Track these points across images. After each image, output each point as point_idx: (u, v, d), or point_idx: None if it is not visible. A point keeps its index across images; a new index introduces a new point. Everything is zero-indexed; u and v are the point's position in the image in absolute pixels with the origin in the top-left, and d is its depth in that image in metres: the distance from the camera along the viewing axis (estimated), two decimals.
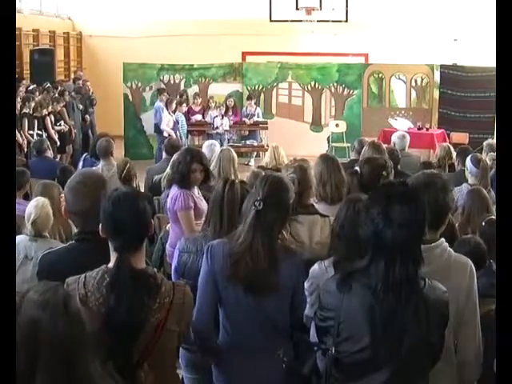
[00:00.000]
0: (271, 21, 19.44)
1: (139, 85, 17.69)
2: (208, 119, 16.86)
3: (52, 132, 13.69)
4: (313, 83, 18.08)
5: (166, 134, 14.39)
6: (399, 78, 18.03)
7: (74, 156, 14.63)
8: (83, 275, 2.99)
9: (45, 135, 13.10)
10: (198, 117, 16.92)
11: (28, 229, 5.27)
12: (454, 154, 8.78)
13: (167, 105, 15.26)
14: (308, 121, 18.25)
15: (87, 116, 16.43)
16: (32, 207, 5.34)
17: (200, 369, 4.03)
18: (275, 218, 3.48)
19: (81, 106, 16.09)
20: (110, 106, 17.87)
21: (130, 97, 17.61)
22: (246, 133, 17.30)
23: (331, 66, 18.15)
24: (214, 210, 4.08)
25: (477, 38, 16.98)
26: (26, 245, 5.20)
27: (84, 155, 10.03)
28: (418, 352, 2.72)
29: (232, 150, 7.44)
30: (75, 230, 3.66)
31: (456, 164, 8.42)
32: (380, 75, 18.00)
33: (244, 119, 17.00)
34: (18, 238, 5.24)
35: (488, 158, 8.27)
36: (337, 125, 17.73)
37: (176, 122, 15.26)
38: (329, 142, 17.49)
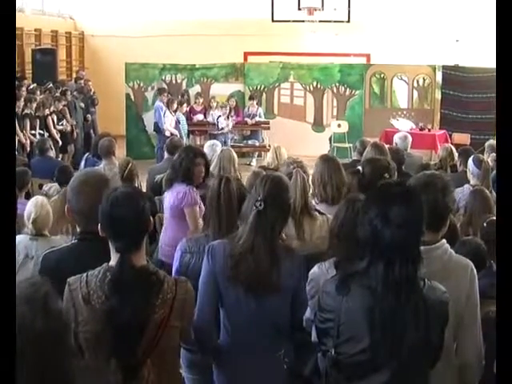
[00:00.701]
0: (273, 21, 19.44)
1: (141, 84, 17.71)
2: (210, 119, 16.86)
3: (54, 132, 13.70)
4: (315, 83, 18.08)
5: (168, 134, 14.39)
6: (401, 79, 18.03)
7: (75, 156, 14.64)
8: (85, 274, 3.00)
9: (46, 135, 13.11)
10: (200, 117, 16.91)
11: (29, 228, 5.27)
12: (456, 155, 8.77)
13: (168, 105, 15.26)
14: (310, 121, 18.25)
15: (89, 116, 16.44)
16: (32, 206, 5.34)
17: (201, 369, 4.03)
18: (276, 218, 3.48)
19: (83, 105, 16.10)
20: (112, 106, 17.87)
21: (132, 96, 17.63)
22: (248, 133, 17.31)
23: (333, 66, 18.16)
24: (212, 208, 4.08)
25: (479, 38, 16.96)
26: (27, 244, 5.21)
27: (86, 155, 10.05)
28: (417, 352, 2.72)
29: (232, 150, 7.46)
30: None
31: (458, 165, 8.41)
32: (382, 76, 18.00)
33: (246, 119, 17.00)
34: (19, 237, 5.24)
35: (490, 158, 8.26)
36: (339, 125, 17.72)
37: (177, 122, 15.27)
38: (330, 143, 17.48)
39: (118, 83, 17.94)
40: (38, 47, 17.94)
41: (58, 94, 15.01)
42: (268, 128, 17.18)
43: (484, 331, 3.32)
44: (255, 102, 17.22)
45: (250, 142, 17.06)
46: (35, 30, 18.14)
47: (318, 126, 18.19)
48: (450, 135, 16.00)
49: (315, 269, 3.50)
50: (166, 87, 17.20)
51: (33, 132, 13.01)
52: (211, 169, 7.11)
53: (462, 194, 6.61)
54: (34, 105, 13.29)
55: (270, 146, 13.09)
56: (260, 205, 3.42)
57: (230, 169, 7.02)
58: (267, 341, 3.56)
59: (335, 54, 19.00)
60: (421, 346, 2.72)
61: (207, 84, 18.05)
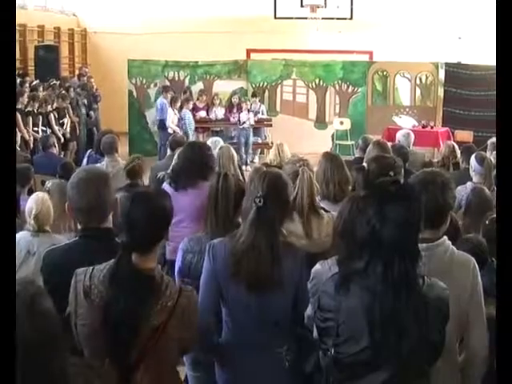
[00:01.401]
0: (276, 18, 19.48)
1: (144, 81, 17.73)
2: (213, 116, 16.85)
3: (56, 128, 13.71)
4: (317, 81, 18.06)
5: (170, 131, 14.41)
6: (404, 76, 18.02)
7: (78, 152, 14.65)
8: (91, 268, 2.98)
9: (49, 131, 13.12)
10: (203, 114, 16.90)
11: (31, 224, 5.27)
12: (459, 153, 8.76)
13: (172, 102, 15.27)
14: (312, 118, 18.24)
15: (91, 112, 16.44)
16: (33, 202, 5.35)
17: (204, 367, 4.03)
18: (276, 214, 3.48)
19: (85, 102, 16.10)
20: (115, 103, 17.87)
21: (135, 93, 17.65)
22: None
23: (336, 63, 18.15)
24: (210, 204, 4.08)
25: (481, 36, 16.93)
26: (28, 240, 5.21)
27: (88, 151, 10.04)
28: (418, 351, 2.71)
29: (231, 148, 7.44)
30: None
31: (460, 162, 8.41)
32: (384, 73, 17.99)
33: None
34: (20, 234, 5.25)
35: (492, 156, 8.24)
36: (341, 122, 17.71)
37: (180, 119, 15.28)
38: (333, 140, 17.49)
39: (120, 80, 17.96)
40: (41, 44, 17.95)
41: (61, 91, 15.01)
42: (270, 125, 17.17)
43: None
44: (258, 99, 17.20)
45: (253, 138, 17.05)
46: (38, 27, 18.15)
47: (321, 123, 18.18)
48: (453, 133, 15.99)
49: (318, 266, 3.49)
50: (169, 84, 17.19)
51: (35, 129, 13.01)
52: None
53: (464, 191, 6.60)
54: (37, 102, 13.29)
55: (272, 143, 13.07)
56: (260, 201, 3.41)
57: (229, 166, 7.01)
58: (269, 338, 3.55)
59: (338, 52, 19.01)
60: (421, 344, 2.72)
61: (210, 81, 18.05)
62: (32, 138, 12.73)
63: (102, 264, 3.00)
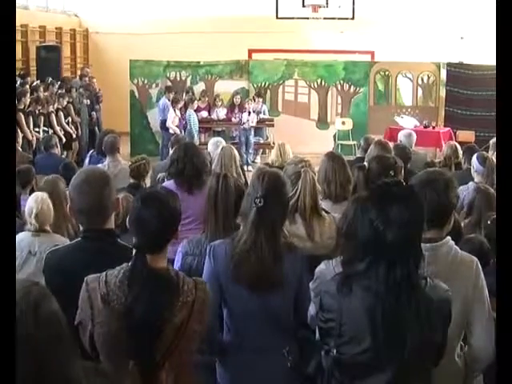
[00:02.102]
0: (277, 18, 19.49)
1: (145, 82, 17.74)
2: (214, 116, 16.86)
3: (57, 129, 13.72)
4: (319, 81, 18.06)
5: (171, 132, 14.42)
6: (405, 76, 18.02)
7: (80, 152, 14.66)
8: (104, 274, 2.95)
9: (50, 132, 13.13)
10: (204, 114, 16.90)
11: (32, 224, 5.27)
12: (461, 153, 8.75)
13: (173, 103, 15.28)
14: (314, 118, 18.24)
15: (93, 113, 16.45)
16: (32, 202, 5.35)
17: (205, 368, 4.02)
18: (277, 214, 3.47)
19: (88, 102, 16.11)
20: (116, 103, 17.89)
21: (137, 93, 17.66)
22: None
23: (337, 63, 18.15)
24: (209, 205, 4.07)
25: (483, 36, 16.92)
26: (29, 240, 5.21)
27: (90, 152, 10.05)
28: (420, 352, 2.71)
29: (233, 148, 7.43)
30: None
31: (462, 162, 8.40)
32: (386, 73, 17.99)
33: None
34: (21, 234, 5.25)
35: (494, 156, 8.23)
36: (343, 122, 17.72)
37: (182, 119, 15.28)
38: (335, 140, 17.50)
39: (122, 80, 17.96)
40: (43, 44, 17.97)
41: (62, 91, 15.02)
42: (272, 125, 17.17)
43: None
44: (261, 99, 17.20)
45: (254, 138, 17.06)
46: (40, 27, 18.17)
47: (323, 123, 18.17)
48: (455, 133, 15.97)
49: (322, 266, 3.48)
50: (171, 85, 17.19)
51: (36, 129, 13.01)
52: (213, 166, 7.11)
53: (466, 191, 6.59)
54: (39, 102, 13.30)
55: (274, 143, 13.08)
56: (260, 202, 3.40)
57: (232, 166, 6.99)
58: (271, 339, 3.55)
59: (340, 52, 19.02)
60: (423, 345, 2.71)
61: (211, 81, 18.05)
62: (34, 139, 12.73)
63: (114, 269, 2.97)
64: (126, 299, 2.87)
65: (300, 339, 3.63)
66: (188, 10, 19.52)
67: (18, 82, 14.20)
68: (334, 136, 17.65)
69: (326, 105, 18.15)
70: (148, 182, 8.18)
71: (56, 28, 19.16)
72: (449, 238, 3.30)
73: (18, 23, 16.18)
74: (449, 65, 17.42)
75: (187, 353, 3.03)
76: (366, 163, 5.41)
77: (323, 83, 18.05)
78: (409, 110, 17.82)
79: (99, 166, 7.77)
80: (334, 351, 2.79)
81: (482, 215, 5.66)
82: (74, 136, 14.51)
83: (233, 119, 16.67)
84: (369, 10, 18.93)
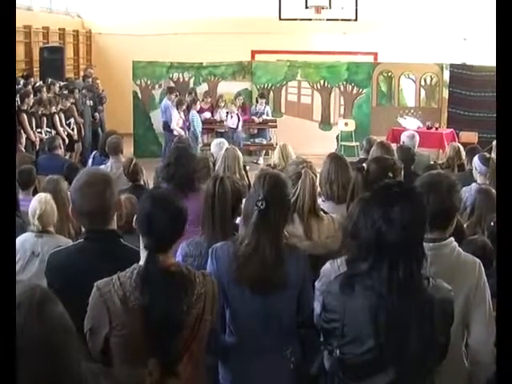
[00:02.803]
0: (280, 19, 19.50)
1: (148, 83, 17.75)
2: (217, 117, 16.87)
3: (61, 130, 13.72)
4: (322, 82, 18.06)
5: (176, 133, 14.43)
6: (408, 77, 18.01)
7: (83, 153, 14.67)
8: (116, 277, 2.97)
9: (53, 133, 13.13)
10: (207, 115, 16.90)
11: (35, 224, 5.28)
12: (464, 154, 8.75)
13: (178, 104, 15.29)
14: (317, 119, 18.23)
15: (96, 114, 16.46)
16: (36, 202, 5.35)
17: (207, 369, 4.02)
18: (279, 216, 3.47)
19: (91, 103, 16.12)
20: (119, 104, 17.90)
21: (140, 95, 17.67)
22: (255, 131, 17.30)
23: (340, 64, 18.15)
24: (206, 207, 4.07)
25: (486, 37, 16.89)
26: (33, 241, 5.21)
27: (93, 153, 10.07)
28: (423, 352, 2.72)
29: (237, 149, 7.43)
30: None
31: (465, 164, 8.39)
32: (389, 74, 17.98)
33: (253, 117, 17.00)
34: (24, 235, 5.25)
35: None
36: (346, 123, 17.72)
37: (185, 121, 15.29)
38: (338, 141, 17.52)
39: (125, 81, 17.98)
40: (46, 45, 17.97)
41: (65, 92, 15.03)
42: (275, 126, 17.17)
43: None
44: (264, 101, 17.21)
45: (257, 140, 17.07)
46: (43, 28, 18.17)
47: (325, 124, 18.18)
48: (458, 134, 15.97)
49: (327, 265, 3.48)
50: (173, 86, 17.20)
51: (39, 130, 13.02)
52: (216, 167, 7.12)
53: (469, 193, 6.59)
54: (41, 103, 13.30)
55: (277, 144, 13.09)
56: (261, 204, 3.40)
57: (235, 167, 6.99)
58: (273, 340, 3.55)
59: (342, 53, 19.02)
60: (426, 345, 2.72)
61: (214, 82, 18.06)
62: (38, 139, 12.73)
63: (125, 271, 3.00)
64: (145, 298, 2.90)
65: (302, 340, 3.64)
66: (191, 12, 19.52)
67: (21, 83, 14.21)
68: (337, 137, 17.66)
69: (329, 106, 18.16)
70: (150, 183, 8.20)
71: (59, 29, 19.16)
72: (452, 238, 3.31)
73: (21, 24, 16.20)
74: (452, 66, 17.42)
75: (203, 342, 3.12)
76: (364, 164, 5.40)
77: (326, 84, 18.05)
78: (412, 111, 17.82)
79: (102, 167, 7.79)
80: (337, 351, 2.80)
81: (482, 216, 5.67)
82: (77, 137, 14.50)
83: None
84: (372, 11, 18.94)
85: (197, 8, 19.47)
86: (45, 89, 14.47)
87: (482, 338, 3.25)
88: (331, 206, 4.98)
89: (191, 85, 17.88)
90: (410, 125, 15.82)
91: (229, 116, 16.44)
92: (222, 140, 9.15)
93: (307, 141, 15.89)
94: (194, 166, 5.98)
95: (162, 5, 19.80)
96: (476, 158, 7.14)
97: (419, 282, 2.72)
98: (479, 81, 16.67)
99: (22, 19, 15.74)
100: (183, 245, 4.18)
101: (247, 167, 7.74)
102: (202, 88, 17.80)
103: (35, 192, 7.67)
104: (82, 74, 19.29)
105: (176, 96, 15.78)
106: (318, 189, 4.99)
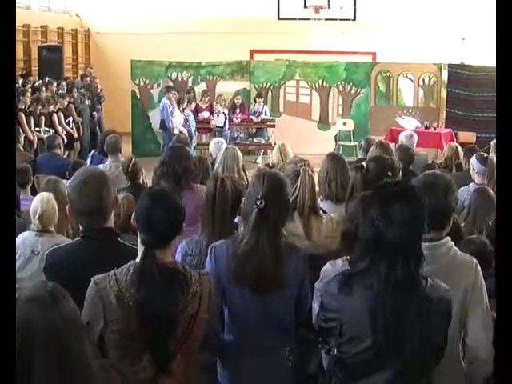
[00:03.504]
0: (279, 19, 19.51)
1: (147, 82, 17.75)
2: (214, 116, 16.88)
3: (59, 129, 13.72)
4: (320, 81, 18.06)
5: (177, 132, 14.43)
6: (407, 77, 18.01)
7: (81, 153, 14.66)
8: (112, 273, 2.98)
9: (52, 132, 13.13)
10: (206, 114, 16.91)
11: (35, 224, 5.28)
12: (462, 154, 8.76)
13: (178, 103, 15.31)
14: (315, 119, 18.23)
15: (95, 113, 16.45)
16: (37, 202, 5.36)
17: (205, 367, 4.03)
18: (278, 215, 3.47)
19: (89, 102, 16.11)
20: (118, 103, 17.92)
21: (138, 94, 17.67)
22: (254, 130, 17.30)
23: (339, 64, 18.14)
24: (207, 207, 4.08)
25: (484, 37, 16.93)
26: (33, 240, 5.22)
27: (92, 152, 10.05)
28: (421, 351, 2.72)
29: (237, 149, 7.42)
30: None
31: (463, 163, 8.40)
32: (388, 74, 17.98)
33: (251, 117, 17.00)
34: (25, 234, 5.27)
35: (495, 157, 8.24)
36: (344, 123, 17.72)
37: (186, 120, 15.32)
38: (336, 141, 17.51)
39: (123, 80, 17.99)
40: (44, 44, 17.96)
41: (63, 91, 15.03)
42: (273, 126, 17.17)
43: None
44: (261, 100, 17.22)
45: (255, 139, 17.07)
46: (41, 27, 18.17)
47: (324, 124, 18.18)
48: (456, 134, 15.99)
49: (328, 266, 3.49)
50: (172, 85, 17.21)
51: (37, 129, 13.02)
52: (216, 167, 7.12)
53: (467, 192, 6.60)
54: (40, 102, 13.30)
55: (275, 143, 13.09)
56: (261, 203, 3.40)
57: (234, 167, 6.98)
58: (272, 339, 3.55)
59: (341, 53, 19.02)
60: (424, 344, 2.73)
61: (213, 81, 18.06)
62: (36, 138, 12.73)
63: (122, 267, 3.01)
64: (140, 295, 2.91)
65: (301, 339, 3.65)
66: (190, 11, 19.53)
67: (20, 82, 14.21)
68: (336, 137, 17.66)
69: (328, 105, 18.15)
70: (149, 182, 8.20)
71: (58, 28, 19.16)
72: (448, 238, 3.31)
73: (19, 23, 16.20)
74: (450, 66, 17.42)
75: (197, 342, 3.11)
76: (363, 163, 5.41)
77: (324, 84, 18.05)
78: (410, 110, 17.82)
79: (101, 166, 7.79)
80: (335, 350, 2.81)
81: (476, 215, 5.68)
82: (76, 136, 14.50)
83: (234, 119, 16.74)
84: (370, 11, 18.95)
85: (195, 7, 19.48)
86: (43, 88, 14.47)
87: (480, 337, 3.25)
88: (329, 206, 4.99)
89: (190, 84, 17.87)
90: (409, 124, 15.84)
91: (215, 115, 16.45)
92: (221, 139, 9.15)
93: (305, 140, 15.90)
94: (187, 164, 5.98)
95: (161, 4, 19.80)
96: (474, 158, 7.14)
97: (417, 281, 2.73)
98: (477, 81, 16.68)
99: (20, 18, 15.74)
100: (183, 243, 4.20)
101: (245, 167, 7.74)
102: (201, 87, 17.80)
103: (33, 190, 7.68)
104: (80, 72, 19.29)
105: (175, 95, 15.78)
106: (317, 188, 4.99)
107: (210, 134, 16.72)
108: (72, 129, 14.34)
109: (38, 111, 13.17)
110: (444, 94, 17.52)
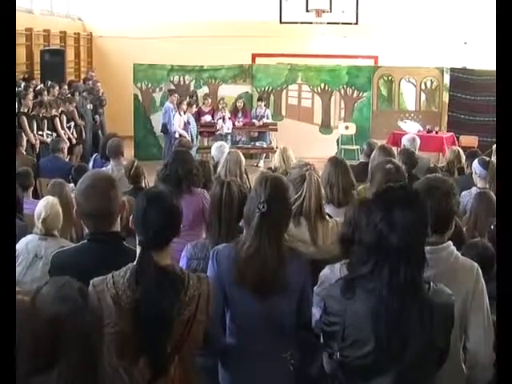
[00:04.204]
0: (281, 23, 19.53)
1: (149, 86, 17.76)
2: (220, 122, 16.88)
3: (62, 132, 13.72)
4: (322, 85, 18.07)
5: (177, 135, 14.45)
6: (409, 81, 18.02)
7: (84, 156, 14.66)
8: (110, 275, 3.00)
9: (54, 135, 13.14)
10: (208, 118, 16.93)
11: (38, 227, 5.29)
12: (464, 158, 8.77)
13: (178, 106, 15.31)
14: (317, 123, 18.24)
15: (97, 116, 16.46)
16: (42, 206, 5.37)
17: (206, 371, 4.02)
18: (280, 219, 3.48)
19: (91, 106, 16.12)
20: (120, 107, 17.91)
21: (140, 97, 17.68)
22: (256, 134, 17.32)
23: (341, 68, 18.16)
24: (213, 211, 4.09)
25: (486, 41, 16.91)
26: (36, 244, 5.23)
27: (94, 155, 10.07)
28: (423, 356, 2.72)
29: (239, 153, 7.42)
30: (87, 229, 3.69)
31: (465, 167, 8.40)
32: (390, 78, 17.99)
33: (253, 121, 17.02)
34: (28, 237, 5.28)
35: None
36: (346, 127, 17.73)
37: (187, 123, 15.33)
38: (338, 145, 17.52)
39: (125, 84, 17.99)
40: (47, 48, 17.98)
41: (67, 95, 15.05)
42: (275, 130, 17.18)
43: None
44: (263, 104, 17.24)
45: (257, 143, 17.09)
46: (44, 31, 18.18)
47: (326, 127, 18.18)
48: (458, 138, 15.98)
49: (326, 270, 3.49)
50: (173, 88, 17.22)
51: (40, 133, 13.02)
52: (218, 171, 7.12)
53: (469, 196, 6.61)
54: (42, 106, 13.31)
55: (277, 147, 13.10)
56: (263, 207, 3.41)
57: (237, 171, 6.98)
58: (274, 342, 3.55)
59: (343, 56, 19.03)
60: (426, 348, 2.73)
61: (215, 85, 18.07)
62: (38, 142, 12.73)
63: (120, 269, 3.02)
64: (136, 297, 2.92)
65: (302, 342, 3.65)
66: (192, 15, 19.54)
67: (22, 86, 14.22)
68: (338, 141, 17.67)
69: (330, 109, 18.16)
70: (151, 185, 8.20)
71: (60, 32, 19.18)
72: (450, 242, 3.31)
73: (22, 27, 16.23)
74: (452, 70, 17.43)
75: (194, 345, 3.12)
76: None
77: (326, 88, 18.06)
78: (412, 114, 17.82)
79: (103, 169, 7.80)
80: (338, 354, 2.81)
81: (478, 219, 5.68)
82: (76, 140, 14.49)
83: (236, 123, 16.74)
84: (372, 14, 18.95)
85: (198, 11, 19.49)
86: (46, 92, 14.48)
87: (480, 342, 3.25)
88: (331, 210, 4.98)
89: (192, 88, 17.89)
90: (411, 128, 15.83)
91: (220, 121, 16.46)
92: (223, 143, 9.17)
93: (307, 144, 15.89)
94: (190, 168, 6.00)
95: (163, 8, 19.81)
96: (476, 162, 7.15)
97: (420, 285, 2.73)
98: (479, 85, 16.68)
99: (22, 22, 15.76)
100: (188, 247, 4.20)
101: (247, 170, 7.73)
102: (203, 91, 17.81)
103: (35, 194, 7.69)
104: (82, 76, 19.31)
105: (177, 98, 15.80)
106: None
107: (213, 137, 16.71)
108: (72, 133, 14.32)
109: (41, 115, 13.17)
110: (446, 97, 17.52)
